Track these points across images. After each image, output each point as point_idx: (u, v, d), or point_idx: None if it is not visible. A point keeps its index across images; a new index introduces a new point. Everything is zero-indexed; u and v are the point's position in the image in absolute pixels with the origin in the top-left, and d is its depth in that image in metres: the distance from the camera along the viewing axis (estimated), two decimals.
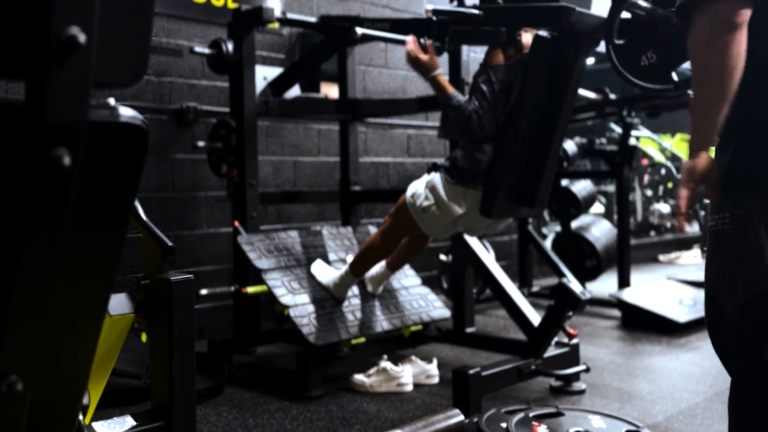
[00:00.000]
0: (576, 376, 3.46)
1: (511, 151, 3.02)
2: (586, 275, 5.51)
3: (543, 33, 2.93)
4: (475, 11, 2.90)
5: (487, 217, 3.11)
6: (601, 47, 2.88)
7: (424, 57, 3.06)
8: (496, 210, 3.09)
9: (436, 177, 3.18)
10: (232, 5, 4.58)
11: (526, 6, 2.80)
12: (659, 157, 9.83)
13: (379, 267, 3.75)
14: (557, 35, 2.91)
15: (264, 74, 4.15)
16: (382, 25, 3.63)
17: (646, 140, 9.72)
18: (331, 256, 3.86)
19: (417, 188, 3.25)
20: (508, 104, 3.01)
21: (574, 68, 2.94)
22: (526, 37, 3.09)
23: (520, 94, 2.99)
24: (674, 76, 2.74)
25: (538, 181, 3.10)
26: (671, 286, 5.27)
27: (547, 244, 5.82)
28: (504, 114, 3.02)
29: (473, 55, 6.27)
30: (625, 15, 2.73)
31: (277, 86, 4.25)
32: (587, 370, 3.49)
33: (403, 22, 3.57)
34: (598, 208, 8.28)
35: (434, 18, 2.89)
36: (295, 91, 4.49)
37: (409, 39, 3.02)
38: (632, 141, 5.74)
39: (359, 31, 3.51)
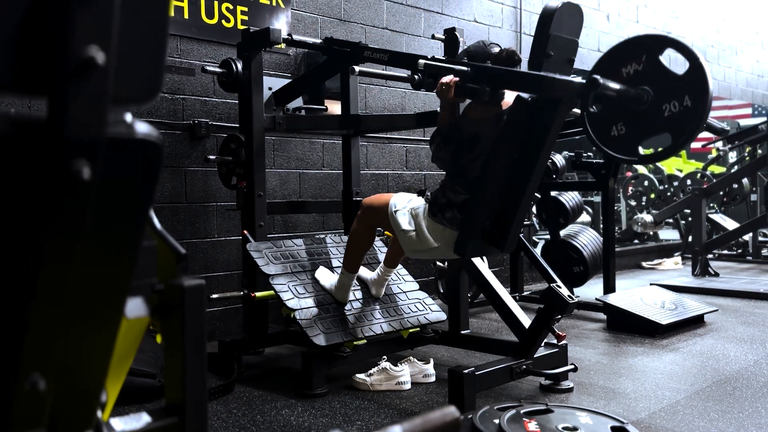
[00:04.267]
0: (564, 375, 3.45)
1: (486, 199, 3.05)
2: (573, 280, 5.50)
3: (524, 94, 2.95)
4: (465, 68, 2.92)
5: (459, 256, 3.18)
6: None
7: (448, 93, 3.05)
8: (468, 251, 3.17)
9: (421, 207, 3.23)
10: (241, 27, 4.59)
11: (511, 71, 2.81)
12: (642, 170, 9.84)
13: (379, 269, 3.77)
14: (537, 98, 2.93)
15: (269, 84, 4.15)
16: (380, 56, 3.64)
17: None
18: (334, 263, 3.86)
19: (401, 204, 3.31)
20: (472, 153, 3.04)
21: (550, 128, 2.96)
22: (508, 96, 3.11)
23: (496, 147, 3.00)
24: (640, 150, 2.79)
25: (509, 226, 3.13)
26: (654, 290, 5.26)
27: (537, 251, 5.81)
28: (472, 162, 3.05)
29: None
30: None
31: (281, 97, 4.26)
32: (575, 369, 3.48)
33: (400, 55, 3.58)
34: (585, 217, 8.29)
35: (427, 63, 2.91)
36: (297, 102, 4.50)
37: (450, 78, 3.02)
38: None
39: (357, 68, 3.54)
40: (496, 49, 3.06)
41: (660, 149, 2.77)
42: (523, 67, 3.00)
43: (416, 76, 3.55)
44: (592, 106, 2.78)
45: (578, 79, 2.80)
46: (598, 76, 2.62)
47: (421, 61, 2.87)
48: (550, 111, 2.92)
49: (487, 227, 3.11)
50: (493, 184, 3.03)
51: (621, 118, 2.78)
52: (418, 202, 3.27)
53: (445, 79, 3.03)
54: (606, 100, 2.76)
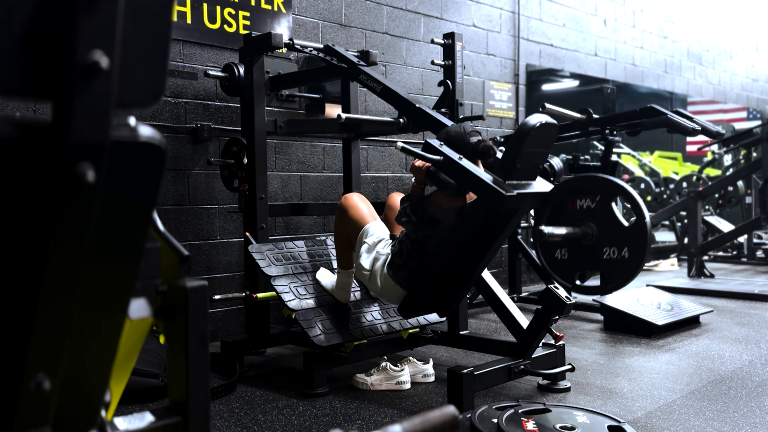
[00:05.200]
0: (562, 375, 3.45)
1: (437, 274, 3.16)
2: None
3: None
4: (438, 157, 2.95)
5: (402, 315, 3.33)
6: None
7: (420, 175, 3.11)
8: (411, 314, 3.34)
9: (383, 256, 3.32)
10: (243, 31, 4.59)
11: (478, 178, 2.84)
12: (639, 173, 9.83)
13: None
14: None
15: (268, 68, 4.13)
16: (374, 85, 3.68)
17: (626, 157, 9.73)
18: (335, 264, 3.86)
19: (372, 239, 3.40)
20: (431, 231, 3.11)
21: (505, 229, 3.07)
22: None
23: (453, 233, 3.08)
24: (577, 281, 2.92)
25: (454, 297, 3.27)
26: (650, 292, 5.26)
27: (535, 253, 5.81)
28: (431, 237, 3.13)
29: (467, 78, 6.29)
30: None
31: (277, 83, 4.27)
32: (572, 369, 3.48)
33: (391, 93, 3.63)
34: None
35: (404, 147, 2.97)
36: (292, 90, 4.53)
37: (421, 162, 3.08)
38: (614, 157, 5.73)
39: (343, 115, 3.58)
40: (475, 139, 3.08)
41: (591, 286, 3.00)
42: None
43: (402, 119, 3.63)
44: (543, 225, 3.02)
45: (540, 189, 2.95)
46: (543, 228, 2.83)
47: (399, 144, 2.92)
48: (506, 215, 3.01)
49: (432, 296, 3.24)
50: (446, 262, 3.13)
51: (566, 245, 2.96)
52: (384, 250, 3.35)
53: (418, 162, 3.08)
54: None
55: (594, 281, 3.05)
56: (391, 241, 3.37)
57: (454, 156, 2.92)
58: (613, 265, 2.88)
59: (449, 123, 3.35)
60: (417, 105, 3.51)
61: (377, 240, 3.38)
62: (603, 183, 2.93)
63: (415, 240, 3.17)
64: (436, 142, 2.98)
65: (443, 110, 3.86)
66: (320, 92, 5.14)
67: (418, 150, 2.92)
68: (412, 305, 3.24)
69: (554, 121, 2.95)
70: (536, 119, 2.89)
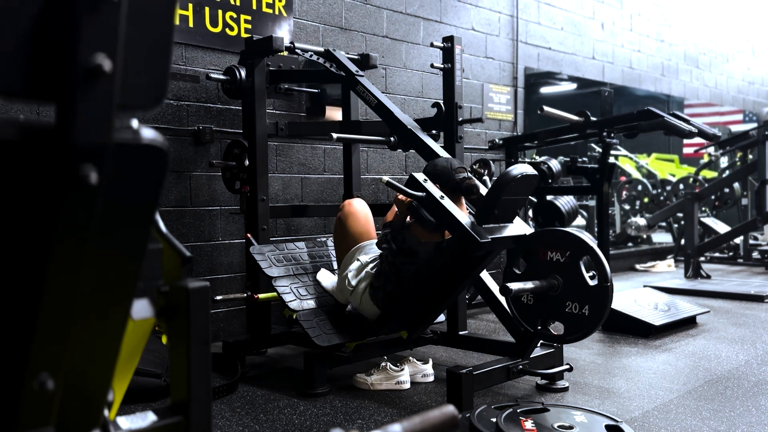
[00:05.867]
0: (560, 375, 3.45)
1: (409, 300, 3.28)
2: None
3: None
4: (421, 194, 3.02)
5: (373, 333, 3.44)
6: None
7: (402, 208, 3.18)
8: (382, 331, 3.43)
9: (368, 278, 3.38)
10: (245, 35, 4.59)
11: (456, 220, 2.93)
12: (636, 175, 9.84)
13: None
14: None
15: (268, 61, 4.13)
16: (370, 98, 3.71)
17: (623, 159, 9.73)
18: (335, 265, 3.86)
19: (364, 257, 3.48)
20: (410, 260, 3.21)
21: (480, 266, 3.22)
22: None
23: (429, 265, 3.17)
24: (538, 327, 3.13)
25: (423, 323, 3.46)
26: (647, 292, 5.26)
27: None
28: (408, 265, 3.22)
29: (466, 81, 6.29)
30: None
31: (276, 77, 4.29)
32: (570, 369, 3.48)
33: (385, 110, 3.67)
34: (580, 221, 8.28)
35: (389, 182, 3.03)
36: (291, 84, 4.58)
37: (403, 197, 3.16)
38: (611, 159, 5.74)
39: (335, 135, 3.60)
40: (461, 176, 3.17)
41: (551, 334, 3.07)
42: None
43: (392, 138, 3.65)
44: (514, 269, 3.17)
45: (516, 233, 3.08)
46: (510, 285, 2.92)
47: (385, 178, 3.04)
48: (483, 254, 3.11)
49: (404, 317, 3.37)
50: (420, 290, 3.25)
51: (533, 291, 3.06)
52: (372, 271, 3.40)
53: (401, 196, 3.15)
54: (525, 272, 3.13)
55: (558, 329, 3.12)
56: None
57: (437, 194, 3.01)
58: (574, 319, 2.98)
59: (437, 148, 3.46)
60: (408, 127, 3.57)
61: (369, 261, 3.45)
62: (573, 240, 3.01)
63: (393, 264, 3.24)
64: (421, 177, 3.06)
65: (434, 132, 3.90)
66: (320, 93, 5.13)
67: (402, 186, 3.01)
68: (385, 324, 3.35)
69: (535, 172, 3.04)
70: (518, 170, 2.98)
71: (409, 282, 3.23)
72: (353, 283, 3.40)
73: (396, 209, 3.26)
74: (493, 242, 2.92)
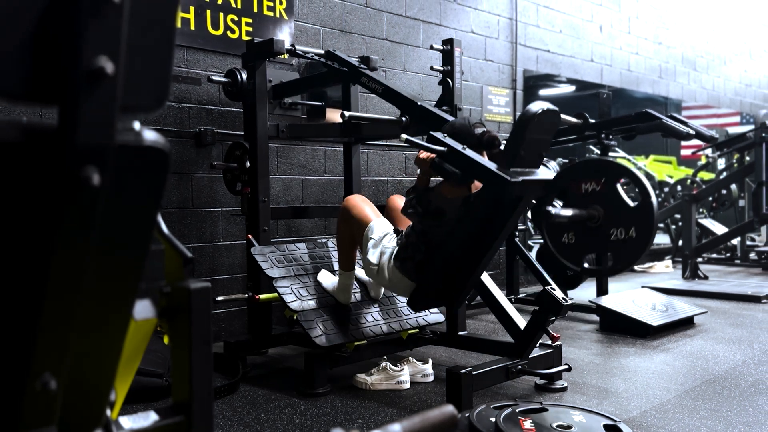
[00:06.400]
0: (558, 375, 3.45)
1: (443, 265, 3.12)
2: (567, 283, 5.49)
3: None
4: (442, 148, 2.93)
5: (410, 307, 3.30)
6: None
7: (425, 166, 3.11)
8: (419, 306, 3.29)
9: (389, 249, 3.30)
10: (246, 38, 4.59)
11: (482, 165, 2.83)
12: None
13: None
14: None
15: (270, 76, 4.13)
16: (375, 86, 3.66)
17: (622, 161, 9.73)
18: (336, 266, 3.86)
19: (377, 233, 3.38)
20: (437, 221, 3.10)
21: (510, 217, 3.02)
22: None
23: (459, 224, 3.05)
24: (585, 264, 2.95)
25: (461, 290, 3.23)
26: (645, 293, 5.26)
27: (533, 254, 5.81)
28: (436, 228, 3.12)
29: (466, 83, 6.29)
30: None
31: (280, 91, 4.27)
32: (568, 369, 3.48)
33: (393, 93, 3.60)
34: None
35: (408, 138, 2.95)
36: (295, 98, 4.52)
37: (426, 154, 3.09)
38: None
39: (347, 113, 3.55)
40: (479, 131, 3.06)
41: (599, 268, 2.97)
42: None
43: (404, 118, 3.61)
44: (550, 206, 2.95)
45: (544, 177, 2.93)
46: (551, 208, 2.77)
47: (403, 136, 2.90)
48: (513, 202, 2.98)
49: (440, 287, 3.20)
50: (452, 254, 3.10)
51: (573, 228, 2.95)
52: (390, 243, 3.33)
53: (423, 154, 3.08)
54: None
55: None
56: (395, 235, 3.37)
57: (458, 146, 2.91)
58: (621, 246, 2.82)
59: (451, 119, 3.33)
60: (419, 103, 3.50)
61: (382, 234, 3.37)
62: (606, 166, 2.89)
63: (421, 232, 3.16)
64: (440, 135, 2.97)
65: (444, 108, 3.85)
66: (321, 98, 5.14)
67: (423, 142, 2.91)
68: (420, 298, 3.21)
69: (556, 108, 2.92)
70: (538, 106, 2.86)
71: (440, 247, 3.10)
72: (375, 261, 3.31)
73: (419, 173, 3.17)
74: (523, 183, 2.79)
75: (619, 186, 2.83)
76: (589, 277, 3.15)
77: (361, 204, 3.53)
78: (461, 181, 3.05)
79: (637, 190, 2.83)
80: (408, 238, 3.22)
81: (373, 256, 3.33)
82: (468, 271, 3.17)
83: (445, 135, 2.97)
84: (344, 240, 3.56)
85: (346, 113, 3.57)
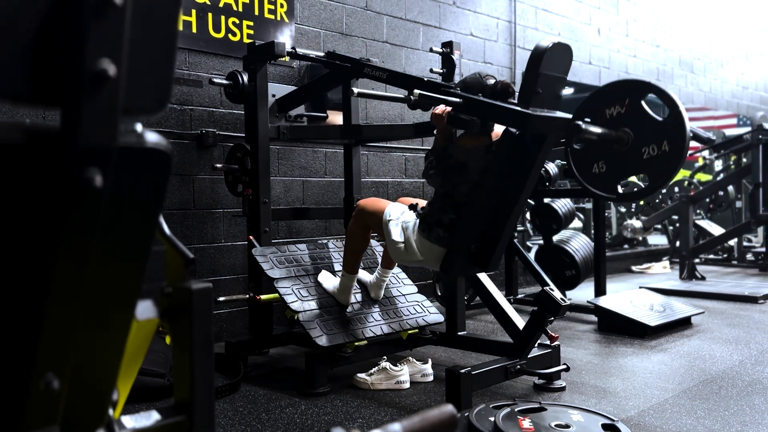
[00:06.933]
0: (557, 375, 3.45)
1: (472, 223, 3.06)
2: (566, 284, 5.50)
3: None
4: (458, 99, 2.91)
5: (445, 274, 3.21)
6: None
7: (441, 122, 3.08)
8: (454, 270, 3.18)
9: (411, 222, 3.23)
10: (247, 40, 4.59)
11: (501, 106, 2.80)
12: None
13: (377, 271, 3.77)
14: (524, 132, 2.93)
15: (273, 92, 4.14)
16: (379, 74, 3.64)
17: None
18: (336, 267, 3.86)
19: (394, 215, 3.32)
20: (461, 178, 3.04)
21: (536, 161, 2.96)
22: (498, 127, 3.11)
23: (484, 175, 3.01)
24: (619, 189, 2.80)
25: (494, 248, 3.12)
26: (643, 293, 5.26)
27: (531, 255, 5.81)
28: (461, 186, 3.05)
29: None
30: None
31: (284, 104, 4.25)
32: (567, 369, 3.48)
33: (398, 75, 3.56)
34: (576, 223, 8.28)
35: (422, 93, 2.91)
36: (300, 110, 4.51)
37: (443, 109, 3.05)
38: None
39: (356, 90, 3.53)
40: (492, 81, 3.04)
41: (636, 189, 2.84)
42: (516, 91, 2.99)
43: (412, 97, 3.56)
44: (575, 144, 2.85)
45: (564, 115, 2.84)
46: (581, 123, 2.65)
47: (416, 91, 2.86)
48: (536, 145, 2.92)
49: (472, 249, 3.11)
50: (480, 210, 3.04)
51: (602, 156, 2.83)
52: (410, 217, 3.28)
53: (439, 109, 3.06)
54: (589, 139, 2.80)
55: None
56: (411, 211, 3.33)
57: (474, 96, 2.89)
58: (656, 162, 2.71)
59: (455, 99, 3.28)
60: (426, 79, 3.47)
61: (400, 213, 3.33)
62: (629, 85, 2.77)
63: (444, 194, 3.11)
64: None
65: (450, 83, 3.83)
66: (322, 100, 5.13)
67: (437, 95, 2.87)
68: (453, 262, 3.13)
69: (568, 44, 2.89)
70: (549, 40, 2.82)
71: (466, 204, 3.04)
72: (400, 238, 3.23)
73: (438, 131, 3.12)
74: (545, 119, 2.74)
75: (643, 103, 2.74)
76: (630, 201, 2.98)
77: (374, 199, 3.52)
78: (481, 129, 3.01)
79: (662, 101, 2.72)
80: (431, 206, 3.17)
81: (396, 235, 3.25)
82: (498, 227, 3.09)
83: (459, 89, 2.95)
84: (355, 240, 3.53)
85: (356, 90, 3.51)
